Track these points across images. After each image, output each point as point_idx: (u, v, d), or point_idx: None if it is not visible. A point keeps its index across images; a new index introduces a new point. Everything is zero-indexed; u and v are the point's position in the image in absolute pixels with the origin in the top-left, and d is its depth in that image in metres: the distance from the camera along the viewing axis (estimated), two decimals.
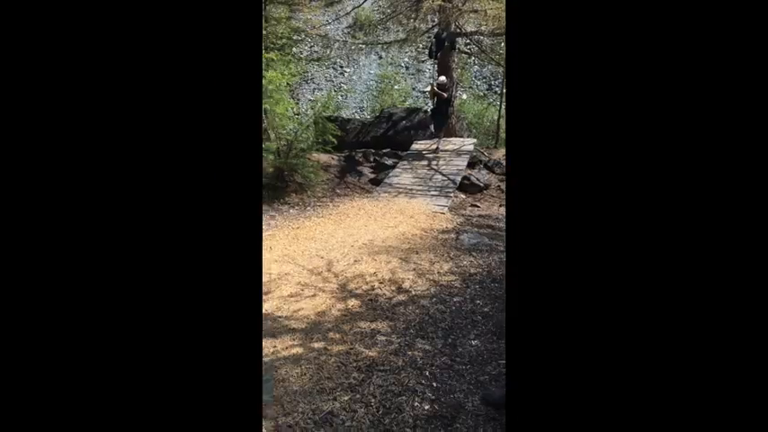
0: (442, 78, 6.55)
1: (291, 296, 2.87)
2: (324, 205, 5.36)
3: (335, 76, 14.25)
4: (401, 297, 2.88)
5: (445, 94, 6.34)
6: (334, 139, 6.16)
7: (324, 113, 6.44)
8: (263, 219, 4.73)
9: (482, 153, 6.97)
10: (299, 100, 12.29)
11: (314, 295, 2.89)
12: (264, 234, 4.19)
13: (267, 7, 6.01)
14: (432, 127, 7.01)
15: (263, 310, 2.67)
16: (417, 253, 3.62)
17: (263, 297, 2.82)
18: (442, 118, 6.63)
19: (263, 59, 5.36)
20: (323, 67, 13.31)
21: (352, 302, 2.80)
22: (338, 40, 10.85)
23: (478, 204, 5.43)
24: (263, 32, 5.67)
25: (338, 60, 13.88)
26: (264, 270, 3.22)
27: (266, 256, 3.54)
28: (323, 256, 3.60)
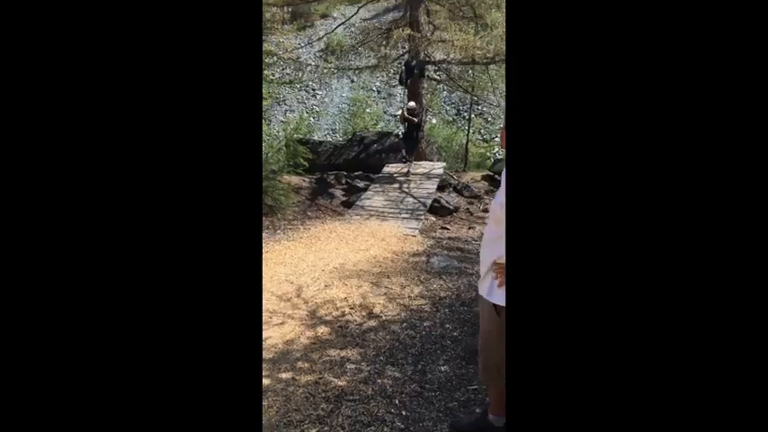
0: (412, 104, 6.85)
1: None
2: (294, 228, 5.31)
3: (308, 99, 14.34)
4: (372, 323, 2.86)
5: (415, 119, 6.68)
6: (305, 162, 6.17)
7: (295, 136, 6.46)
8: None
9: (451, 176, 7.13)
10: (270, 122, 12.26)
11: (282, 323, 2.83)
12: None
13: None
14: (404, 151, 7.24)
15: None
16: (389, 277, 3.63)
17: None
18: (412, 142, 6.80)
19: None
20: (295, 89, 13.39)
21: (322, 329, 2.76)
22: (310, 64, 10.98)
23: (448, 227, 5.52)
24: None
25: (310, 83, 14.01)
26: None
27: None
28: (293, 281, 3.55)
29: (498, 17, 8.28)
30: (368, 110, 13.67)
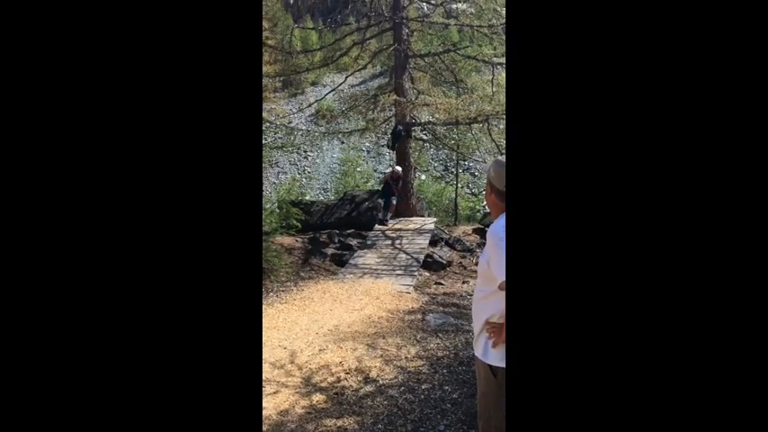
0: (398, 169, 7.60)
1: None
2: (287, 290, 5.25)
3: (300, 160, 14.76)
4: (368, 388, 2.77)
5: (396, 186, 7.49)
6: (298, 223, 6.23)
7: (288, 198, 6.58)
8: None
9: (443, 231, 7.22)
10: (263, 184, 12.50)
11: (276, 392, 2.73)
12: None
13: None
14: (380, 215, 7.51)
15: None
16: (384, 337, 3.56)
17: None
18: (387, 201, 7.49)
19: None
20: (287, 152, 13.82)
21: (317, 398, 2.66)
22: (302, 129, 11.43)
23: (443, 282, 5.51)
24: None
25: (302, 146, 14.51)
26: None
27: None
28: (286, 346, 3.46)
29: (477, 80, 8.85)
30: (358, 169, 14.06)
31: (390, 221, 7.40)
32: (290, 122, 12.03)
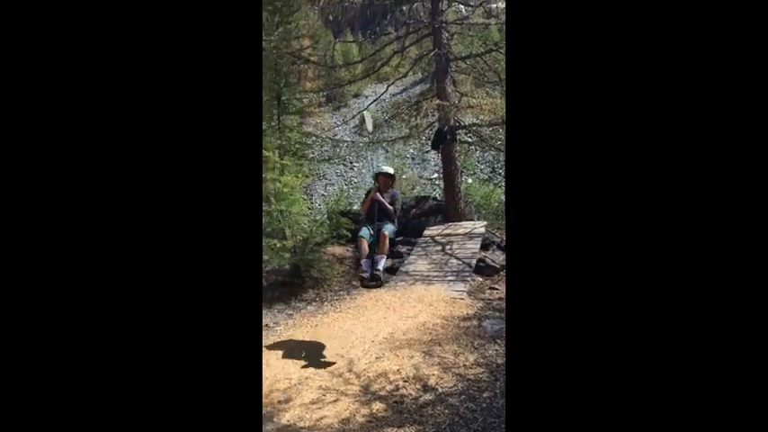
0: (388, 170, 3.89)
1: (313, 403, 2.75)
2: (341, 299, 5.33)
3: (346, 171, 15.06)
4: (428, 396, 2.73)
5: (389, 206, 3.70)
6: (347, 233, 6.33)
7: (336, 208, 6.71)
8: (281, 318, 4.70)
9: (494, 234, 7.03)
10: (312, 197, 12.87)
11: (336, 400, 2.76)
12: (283, 335, 4.14)
13: (281, 118, 6.63)
14: (364, 264, 3.59)
15: (285, 421, 2.55)
16: (440, 345, 3.51)
17: (285, 405, 2.71)
18: (375, 234, 3.67)
19: (279, 165, 5.76)
20: (333, 164, 14.15)
21: (377, 406, 2.66)
22: (346, 141, 11.66)
23: (497, 287, 5.35)
24: (279, 142, 6.16)
25: (347, 157, 14.79)
26: (285, 375, 3.13)
27: (285, 359, 3.46)
28: (343, 354, 3.50)
29: None
30: (403, 176, 14.09)
31: (382, 273, 3.60)
32: (334, 135, 12.33)
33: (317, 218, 6.62)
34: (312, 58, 9.08)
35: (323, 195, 13.66)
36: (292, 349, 3.71)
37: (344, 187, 13.96)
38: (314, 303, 5.26)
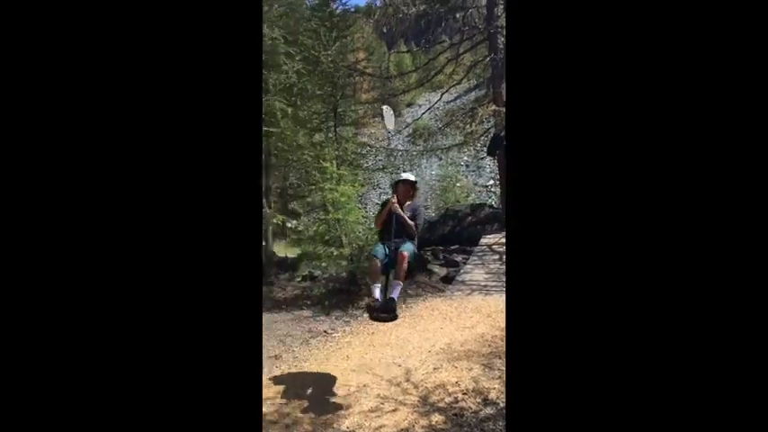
0: (408, 177, 3.19)
1: (372, 411, 2.76)
2: (398, 307, 5.32)
3: None
4: (489, 410, 2.64)
5: (409, 220, 3.01)
6: None
7: None
8: (338, 325, 4.79)
9: None
10: (366, 205, 13.08)
11: (395, 410, 2.75)
12: (341, 341, 4.21)
13: (337, 129, 6.84)
14: (376, 292, 2.98)
15: (345, 427, 2.58)
16: (500, 357, 3.38)
17: (344, 412, 2.74)
18: (388, 255, 2.98)
19: (336, 175, 5.92)
20: (387, 173, 14.29)
21: (436, 418, 2.61)
22: (400, 150, 11.74)
23: None
24: (336, 152, 6.34)
25: (401, 165, 14.88)
26: (343, 382, 3.17)
27: (344, 366, 3.51)
28: (400, 363, 3.49)
29: None
30: (458, 184, 13.92)
31: (397, 302, 2.95)
32: (389, 145, 12.46)
33: (372, 226, 6.70)
34: (367, 70, 9.28)
35: (376, 204, 13.84)
36: (350, 356, 3.76)
37: None
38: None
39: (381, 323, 3.11)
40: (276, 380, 3.30)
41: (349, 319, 5.06)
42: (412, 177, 3.17)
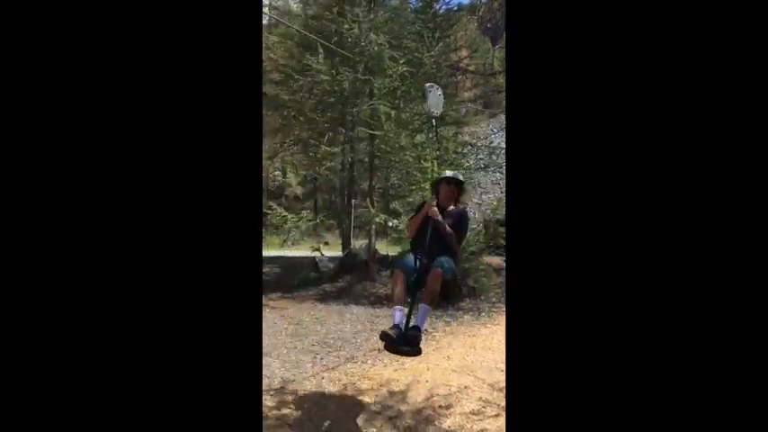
0: (452, 174, 2.69)
1: (473, 413, 2.73)
2: (499, 311, 5.17)
3: (501, 179, 14.55)
4: None
5: (450, 230, 2.38)
6: (504, 242, 6.11)
7: (494, 217, 6.55)
8: (439, 324, 4.81)
9: None
10: (467, 205, 12.84)
11: (497, 415, 2.68)
12: (441, 341, 4.23)
13: (438, 129, 6.85)
14: (399, 315, 2.30)
15: (446, 426, 2.60)
16: None
17: (445, 411, 2.76)
18: (417, 275, 2.35)
19: (436, 174, 5.94)
20: (489, 172, 13.85)
21: None
22: (503, 148, 11.29)
23: None
24: (436, 153, 6.36)
25: (504, 164, 14.28)
26: (444, 382, 3.19)
27: (444, 365, 3.53)
28: (503, 369, 3.38)
29: None
30: None
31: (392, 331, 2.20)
32: (490, 143, 12.06)
33: (473, 227, 6.57)
34: (470, 68, 9.12)
35: (477, 204, 13.48)
36: (450, 356, 3.75)
37: (500, 195, 13.51)
38: (471, 313, 5.23)
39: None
40: (376, 373, 3.44)
41: (449, 319, 5.05)
42: (460, 177, 2.60)
